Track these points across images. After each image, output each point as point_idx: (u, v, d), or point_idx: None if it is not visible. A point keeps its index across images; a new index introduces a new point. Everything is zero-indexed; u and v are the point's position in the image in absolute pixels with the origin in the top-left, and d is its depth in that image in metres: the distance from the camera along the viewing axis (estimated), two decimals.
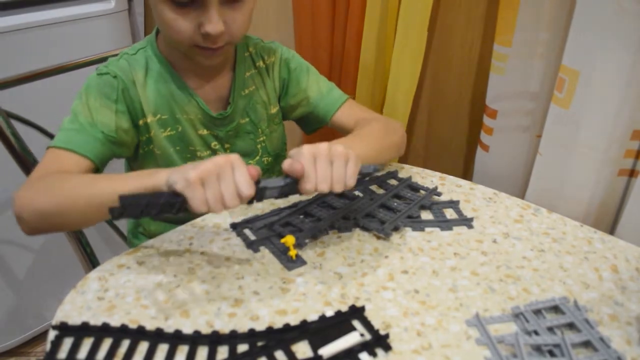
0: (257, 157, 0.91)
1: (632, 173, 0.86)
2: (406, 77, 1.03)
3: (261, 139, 0.90)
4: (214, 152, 0.87)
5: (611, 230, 0.88)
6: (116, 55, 0.83)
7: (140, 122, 0.81)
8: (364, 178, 0.74)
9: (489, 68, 0.93)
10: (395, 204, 0.80)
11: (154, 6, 0.74)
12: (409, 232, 0.76)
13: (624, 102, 0.78)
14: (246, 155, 0.90)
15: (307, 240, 0.73)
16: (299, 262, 0.69)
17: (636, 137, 0.83)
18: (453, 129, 1.11)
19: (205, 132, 0.85)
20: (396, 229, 0.75)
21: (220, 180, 0.58)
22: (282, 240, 0.70)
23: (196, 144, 0.85)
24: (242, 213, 0.79)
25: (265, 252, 0.71)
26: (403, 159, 1.12)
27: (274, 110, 0.91)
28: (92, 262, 0.94)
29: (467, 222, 0.78)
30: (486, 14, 0.98)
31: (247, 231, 0.75)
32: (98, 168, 0.76)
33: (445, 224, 0.77)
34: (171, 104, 0.82)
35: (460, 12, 1.01)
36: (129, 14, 1.41)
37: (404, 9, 0.98)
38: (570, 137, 0.82)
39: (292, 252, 0.69)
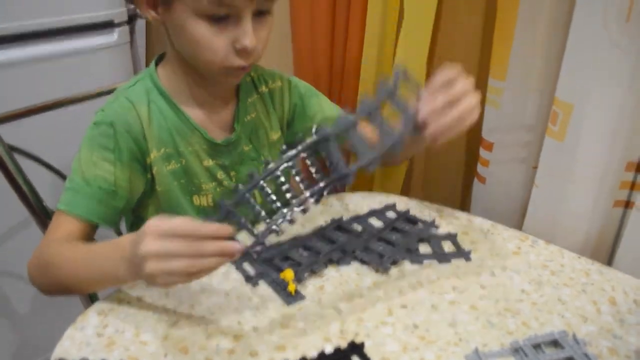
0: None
1: (627, 204, 0.87)
2: None
3: (263, 166, 0.89)
4: (220, 183, 0.85)
5: (609, 262, 0.89)
6: (113, 90, 0.82)
7: (147, 160, 0.80)
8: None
9: (484, 101, 0.95)
10: (394, 237, 0.80)
11: (181, 28, 0.72)
12: (407, 266, 0.76)
13: (617, 134, 0.79)
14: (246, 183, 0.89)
15: (306, 275, 0.73)
16: (298, 297, 0.69)
17: (630, 169, 0.84)
18: (450, 161, 1.12)
19: (210, 162, 0.84)
20: (395, 262, 0.76)
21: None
22: (282, 275, 0.70)
23: (201, 176, 0.84)
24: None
25: (264, 287, 0.72)
26: (404, 192, 1.13)
27: (275, 136, 0.90)
28: (90, 296, 0.94)
29: (465, 254, 0.78)
30: (481, 48, 1.00)
31: (246, 265, 0.75)
32: (99, 225, 0.77)
33: (443, 257, 0.78)
34: (174, 136, 0.81)
35: (456, 46, 1.03)
36: (131, 46, 1.43)
37: (401, 47, 0.99)
38: (565, 169, 0.83)
39: (291, 287, 0.69)
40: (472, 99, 0.70)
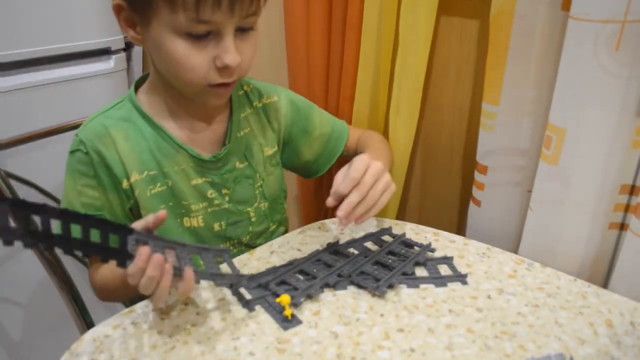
0: (255, 204, 0.88)
1: (622, 226, 0.87)
2: (403, 134, 1.05)
3: (259, 183, 0.88)
4: (211, 202, 0.84)
5: (605, 284, 0.89)
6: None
7: (124, 184, 0.78)
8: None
9: (478, 125, 0.96)
10: (390, 260, 0.80)
11: (160, 47, 0.71)
12: (404, 290, 0.76)
13: (610, 157, 0.80)
14: (245, 202, 0.87)
15: (302, 299, 0.73)
16: (295, 321, 0.69)
17: (624, 191, 0.85)
18: (446, 185, 1.13)
19: (199, 180, 0.82)
20: (391, 286, 0.76)
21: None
22: (278, 300, 0.70)
23: (189, 197, 0.82)
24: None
25: (260, 312, 0.71)
26: (400, 216, 1.13)
27: (270, 151, 0.90)
28: (86, 322, 0.93)
29: (461, 278, 0.78)
30: (475, 73, 1.02)
31: (242, 290, 0.75)
32: None
33: (439, 281, 0.78)
34: (158, 158, 0.79)
35: (450, 72, 1.05)
36: (128, 73, 1.45)
37: (398, 75, 1.01)
38: (560, 192, 0.83)
39: (288, 312, 0.69)
40: (380, 185, 0.77)
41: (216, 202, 0.84)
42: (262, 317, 0.70)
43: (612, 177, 0.82)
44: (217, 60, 0.71)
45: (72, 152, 0.78)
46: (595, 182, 0.82)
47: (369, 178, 0.75)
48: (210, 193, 0.84)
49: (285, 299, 0.69)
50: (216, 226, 0.85)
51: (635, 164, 0.83)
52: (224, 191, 0.85)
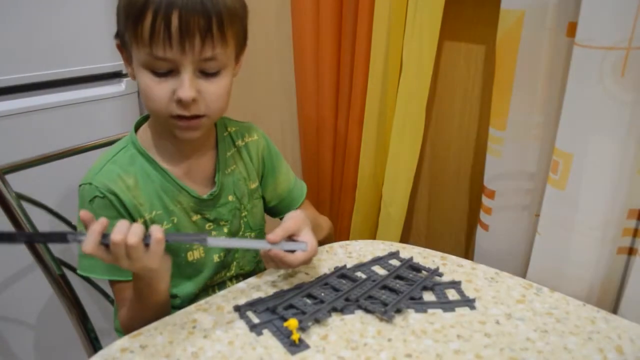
0: (241, 233, 0.92)
1: (630, 251, 0.87)
2: (406, 158, 1.06)
3: (244, 214, 0.92)
4: (209, 234, 0.87)
5: (614, 309, 0.88)
6: (120, 139, 0.85)
7: (139, 221, 0.81)
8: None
9: (485, 149, 0.96)
10: (398, 285, 0.80)
11: (137, 77, 0.78)
12: (411, 314, 0.76)
13: (617, 182, 0.80)
14: (235, 232, 0.91)
15: (310, 324, 0.73)
16: (303, 346, 0.69)
17: (632, 216, 0.85)
18: (453, 209, 1.13)
19: (197, 217, 0.86)
20: (399, 310, 0.76)
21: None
22: (286, 324, 0.70)
23: (191, 232, 0.86)
24: (246, 296, 0.80)
25: (268, 336, 0.71)
26: (404, 239, 1.13)
27: (254, 185, 0.93)
28: (94, 345, 0.93)
29: (469, 303, 0.78)
30: (481, 98, 1.02)
31: (250, 314, 0.75)
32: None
33: (447, 305, 0.77)
34: (163, 198, 0.83)
35: (456, 97, 1.06)
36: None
37: (400, 100, 1.02)
38: (567, 217, 0.84)
39: (295, 336, 0.69)
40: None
41: (214, 234, 0.89)
42: (270, 341, 0.70)
43: (620, 202, 0.82)
44: (174, 94, 0.76)
45: (90, 200, 0.80)
46: (602, 207, 0.82)
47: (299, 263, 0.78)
48: (209, 226, 0.88)
49: (292, 323, 0.69)
50: (215, 257, 0.89)
51: None
52: (222, 223, 0.89)
